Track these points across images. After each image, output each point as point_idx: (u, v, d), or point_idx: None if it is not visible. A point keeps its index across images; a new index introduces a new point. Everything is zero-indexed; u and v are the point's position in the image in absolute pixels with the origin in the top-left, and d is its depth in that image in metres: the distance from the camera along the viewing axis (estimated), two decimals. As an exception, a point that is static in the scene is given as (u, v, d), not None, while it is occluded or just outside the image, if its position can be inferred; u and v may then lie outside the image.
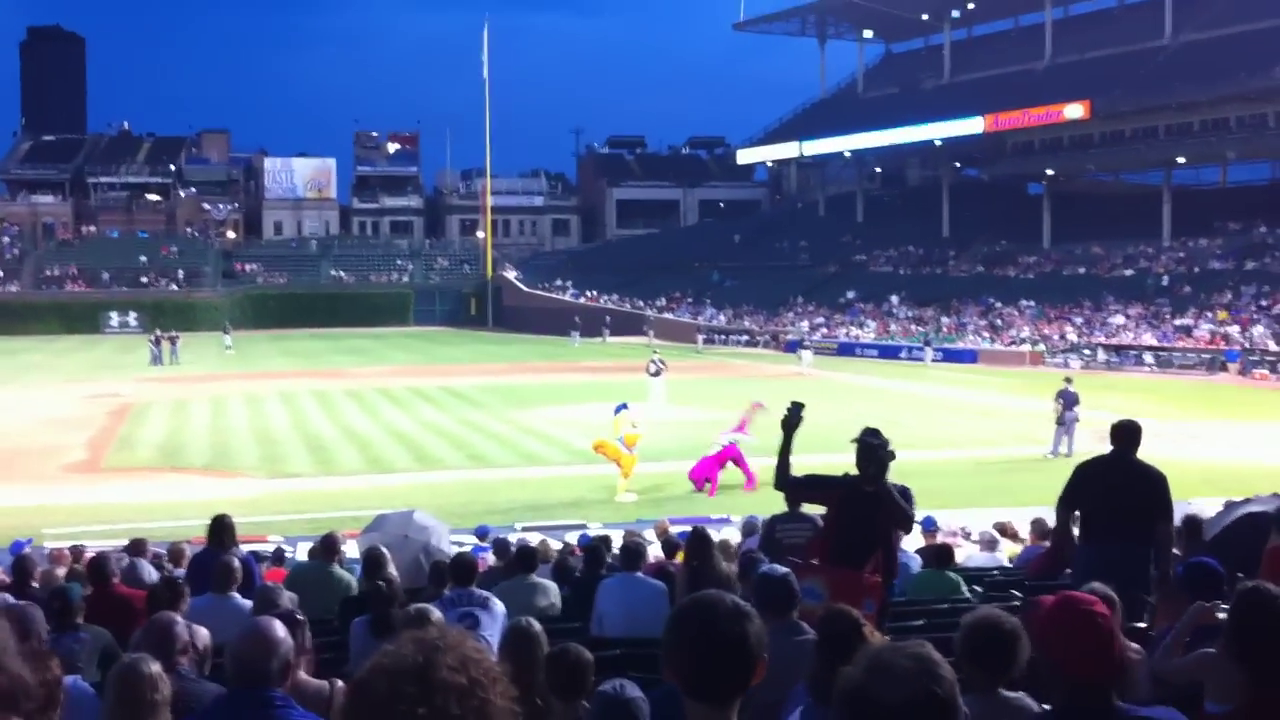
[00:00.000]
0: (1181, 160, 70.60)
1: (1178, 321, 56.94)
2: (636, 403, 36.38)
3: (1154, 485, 8.66)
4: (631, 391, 34.62)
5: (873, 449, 7.98)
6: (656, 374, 39.34)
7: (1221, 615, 5.03)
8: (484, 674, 2.08)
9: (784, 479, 8.40)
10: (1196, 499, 18.17)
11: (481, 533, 16.71)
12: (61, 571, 12.21)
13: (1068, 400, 28.35)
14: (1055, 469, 25.28)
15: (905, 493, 8.21)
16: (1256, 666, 4.39)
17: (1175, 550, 9.15)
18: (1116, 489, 8.68)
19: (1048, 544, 11.53)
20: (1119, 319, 59.51)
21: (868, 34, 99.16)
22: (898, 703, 2.41)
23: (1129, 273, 67.21)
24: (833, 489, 8.25)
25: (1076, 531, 9.14)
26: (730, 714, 2.94)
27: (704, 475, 23.79)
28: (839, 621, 4.78)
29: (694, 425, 26.87)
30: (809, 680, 4.62)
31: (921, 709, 2.41)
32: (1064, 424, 28.08)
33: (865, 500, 7.92)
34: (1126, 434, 8.92)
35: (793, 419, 8.33)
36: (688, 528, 16.41)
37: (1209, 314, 56.83)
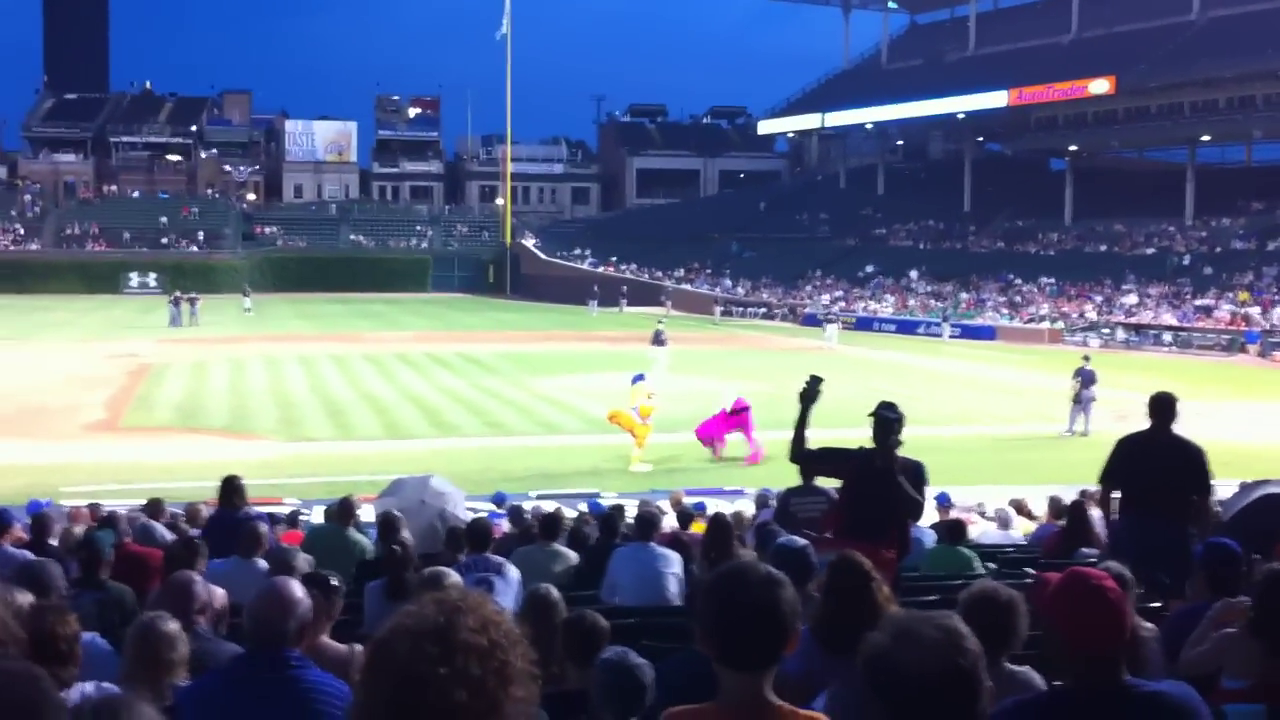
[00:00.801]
0: (1206, 138, 70.18)
1: (1198, 301, 56.67)
2: (627, 373, 36.40)
3: (1193, 459, 8.62)
4: (644, 361, 34.67)
5: (889, 423, 7.98)
6: (660, 344, 39.26)
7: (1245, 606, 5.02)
8: (504, 636, 2.09)
9: (799, 451, 8.41)
10: (1213, 481, 18.13)
11: (499, 499, 16.77)
12: (80, 529, 12.29)
13: (1085, 379, 28.22)
14: (1072, 447, 25.28)
15: (918, 471, 8.19)
16: (1277, 641, 4.41)
17: (1191, 530, 9.12)
18: (1156, 463, 8.65)
19: (1063, 522, 11.51)
20: (1131, 298, 59.22)
21: (892, 4, 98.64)
22: (923, 672, 2.43)
23: (1150, 251, 66.87)
24: (847, 462, 8.25)
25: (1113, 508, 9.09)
26: (764, 683, 2.96)
27: (710, 434, 23.89)
28: (849, 568, 4.80)
29: (709, 396, 26.83)
30: (812, 625, 4.63)
31: (946, 680, 2.43)
32: (1080, 402, 27.97)
33: (880, 475, 7.93)
34: (1163, 406, 8.83)
35: (810, 392, 8.33)
36: (702, 499, 16.51)
37: (1230, 294, 56.52)
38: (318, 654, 5.02)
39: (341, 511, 10.79)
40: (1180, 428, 8.93)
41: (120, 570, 8.04)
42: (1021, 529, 14.13)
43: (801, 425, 8.36)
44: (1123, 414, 30.87)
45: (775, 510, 11.15)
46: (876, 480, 7.95)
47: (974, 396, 35.41)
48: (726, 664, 2.94)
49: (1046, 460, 23.50)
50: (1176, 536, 8.12)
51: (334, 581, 5.91)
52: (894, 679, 2.45)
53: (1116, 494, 9.03)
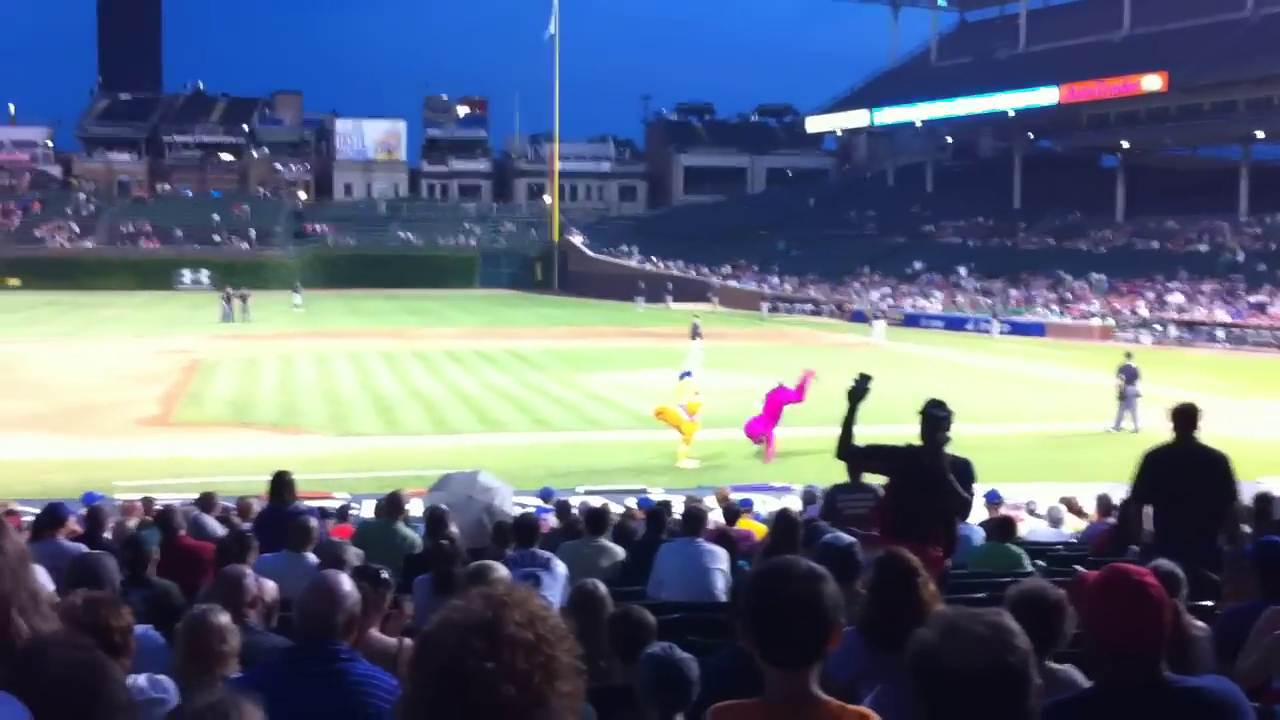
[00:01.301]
0: (1260, 135, 69.22)
1: (1252, 298, 55.95)
2: (673, 369, 36.40)
3: (1219, 468, 8.56)
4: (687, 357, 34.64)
5: (937, 420, 7.95)
6: (697, 336, 39.35)
7: None
8: (550, 630, 2.10)
9: (846, 448, 8.39)
10: (1265, 478, 17.91)
11: (546, 494, 16.82)
12: (133, 522, 12.44)
13: (1129, 375, 28.12)
14: (1121, 444, 24.99)
15: (966, 468, 8.15)
16: None
17: (1245, 528, 9.04)
18: (1184, 475, 8.56)
19: (1112, 520, 11.42)
20: (1177, 297, 58.48)
21: (942, 2, 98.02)
22: (971, 669, 2.41)
23: (1203, 248, 66.07)
24: (895, 460, 8.23)
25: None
26: (809, 678, 2.95)
27: (758, 431, 23.86)
28: (895, 565, 4.78)
29: (754, 393, 26.76)
30: (858, 621, 4.62)
31: (994, 677, 2.41)
32: (1125, 399, 27.84)
33: (928, 472, 7.90)
34: (1185, 417, 8.73)
35: (859, 390, 8.32)
36: (749, 495, 16.49)
37: (1285, 291, 55.79)
38: (366, 646, 5.05)
39: (391, 506, 10.86)
40: (1213, 431, 8.78)
41: (174, 563, 8.13)
42: (1072, 527, 14.03)
43: (849, 422, 8.35)
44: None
45: (822, 507, 11.13)
46: (924, 478, 7.93)
47: (1023, 393, 35.14)
48: (769, 660, 2.94)
49: (1096, 458, 23.27)
50: (1209, 549, 7.97)
51: (384, 575, 5.95)
52: (942, 676, 2.44)
53: (1148, 509, 8.87)
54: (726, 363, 38.71)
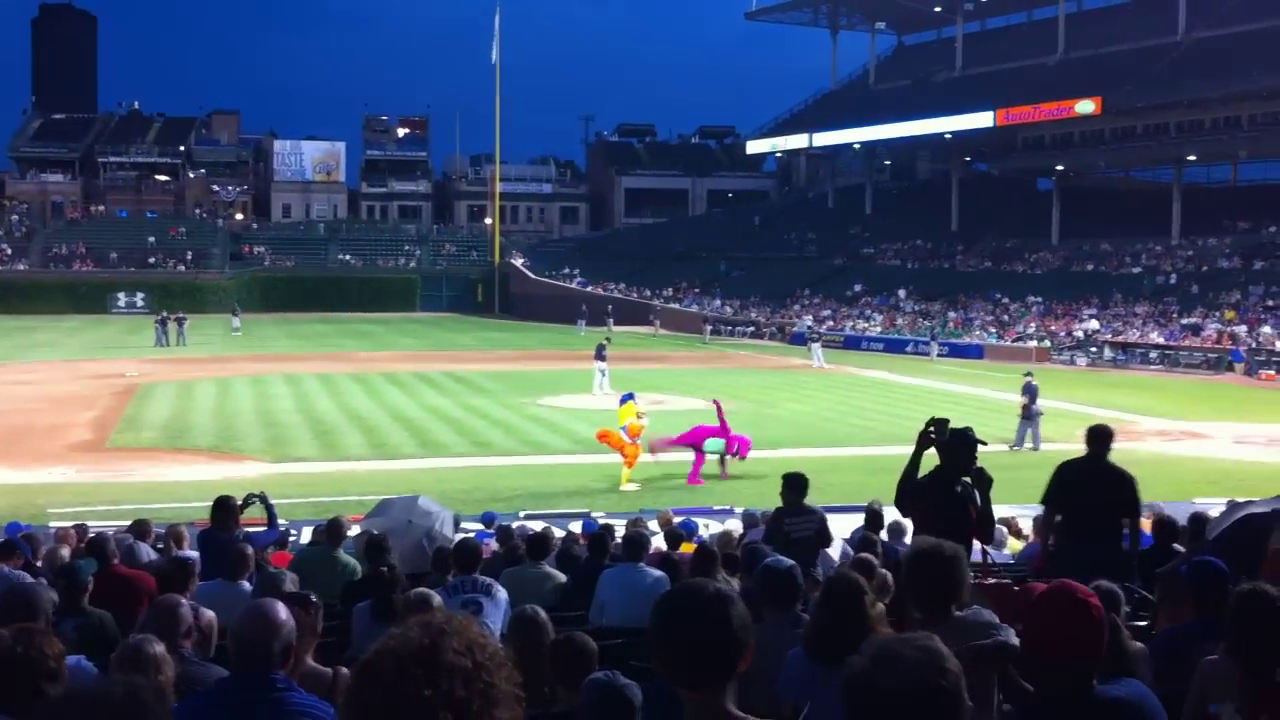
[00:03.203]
0: (1192, 158, 70.53)
1: (1185, 320, 56.83)
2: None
3: (1126, 486, 9.27)
4: (634, 380, 34.65)
5: (973, 445, 8.47)
6: (602, 358, 39.42)
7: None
8: (489, 658, 2.09)
9: (903, 498, 8.55)
10: (1199, 499, 18.18)
11: (488, 519, 16.73)
12: (66, 551, 12.23)
13: (1031, 394, 28.58)
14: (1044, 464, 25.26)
15: (988, 481, 8.55)
16: (1255, 663, 4.41)
17: (1179, 547, 9.26)
18: (1093, 489, 9.28)
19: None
20: (1091, 324, 59.34)
21: (880, 25, 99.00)
22: (902, 693, 2.41)
23: (1137, 270, 67.10)
24: (929, 492, 8.44)
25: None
26: (722, 700, 2.93)
27: (663, 446, 24.00)
28: (840, 583, 4.85)
29: (700, 415, 26.86)
30: (804, 638, 4.69)
31: (926, 701, 2.41)
32: (1030, 417, 28.31)
33: (951, 488, 8.32)
34: (1100, 437, 9.51)
35: (930, 437, 8.38)
36: (691, 518, 16.51)
37: (1216, 313, 56.73)
38: (299, 675, 4.99)
39: (331, 533, 10.76)
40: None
41: (108, 592, 8.00)
42: (1011, 548, 14.13)
43: (912, 468, 8.46)
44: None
45: (767, 530, 11.15)
46: (950, 494, 8.30)
47: (962, 415, 35.37)
48: (680, 684, 2.92)
49: (1035, 479, 23.45)
50: (1110, 558, 8.60)
51: (313, 598, 5.89)
52: (874, 701, 2.44)
53: (1058, 517, 9.58)
54: (671, 386, 38.75)
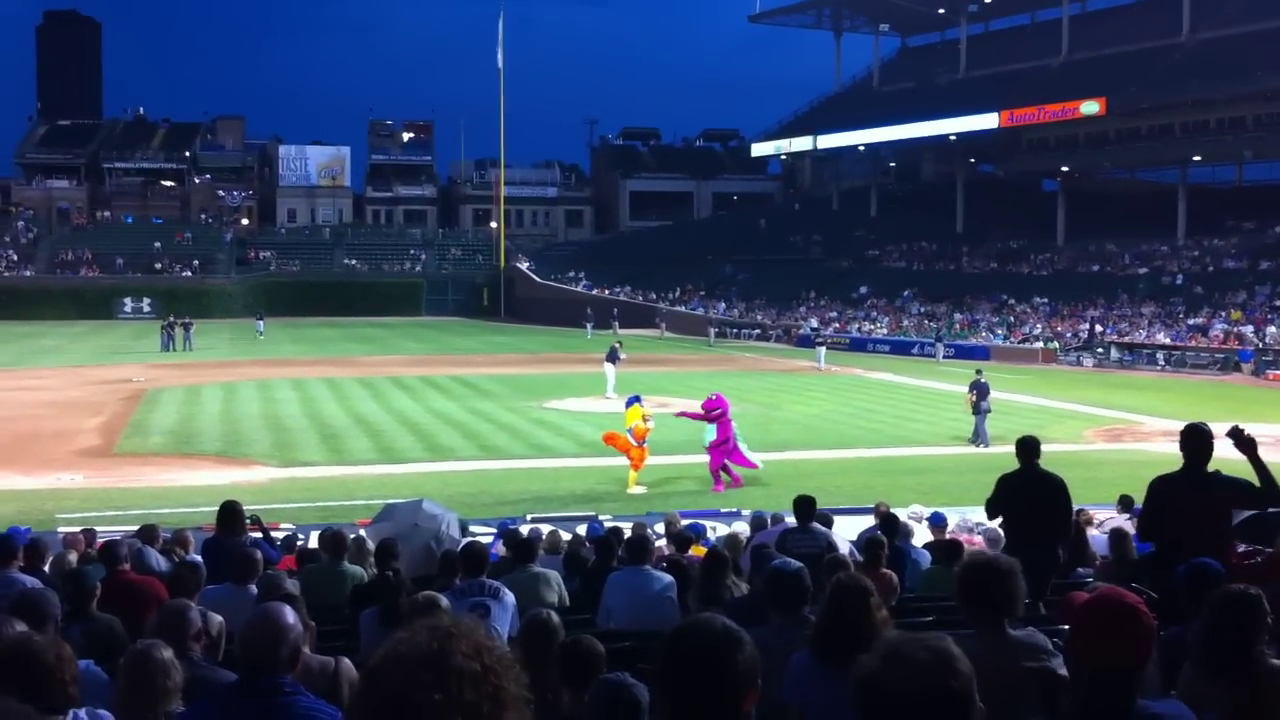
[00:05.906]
0: (1197, 158, 70.40)
1: (1191, 321, 56.76)
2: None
3: (1059, 491, 9.93)
4: (640, 384, 34.66)
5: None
6: (614, 360, 39.39)
7: None
8: (497, 661, 2.10)
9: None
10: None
11: (503, 527, 16.66)
12: (74, 556, 12.24)
13: (980, 391, 28.72)
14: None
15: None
16: (1232, 669, 4.39)
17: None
18: (1031, 497, 9.93)
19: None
20: (1088, 324, 59.30)
21: (884, 27, 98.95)
22: (912, 694, 2.40)
23: (1143, 271, 67.02)
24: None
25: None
26: None
27: (717, 467, 23.60)
28: (847, 586, 4.83)
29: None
30: (809, 639, 4.67)
31: (936, 702, 2.40)
32: (979, 414, 28.58)
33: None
34: (1028, 449, 10.17)
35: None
36: (699, 521, 16.50)
37: (1223, 313, 56.64)
38: (302, 670, 4.99)
39: (332, 546, 10.62)
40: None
41: (117, 597, 8.01)
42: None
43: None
44: (1116, 434, 30.93)
45: (774, 547, 11.14)
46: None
47: (966, 416, 35.37)
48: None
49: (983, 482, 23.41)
50: (1046, 558, 9.27)
51: (294, 592, 5.90)
52: (884, 702, 2.43)
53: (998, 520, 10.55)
54: (679, 389, 38.71)
